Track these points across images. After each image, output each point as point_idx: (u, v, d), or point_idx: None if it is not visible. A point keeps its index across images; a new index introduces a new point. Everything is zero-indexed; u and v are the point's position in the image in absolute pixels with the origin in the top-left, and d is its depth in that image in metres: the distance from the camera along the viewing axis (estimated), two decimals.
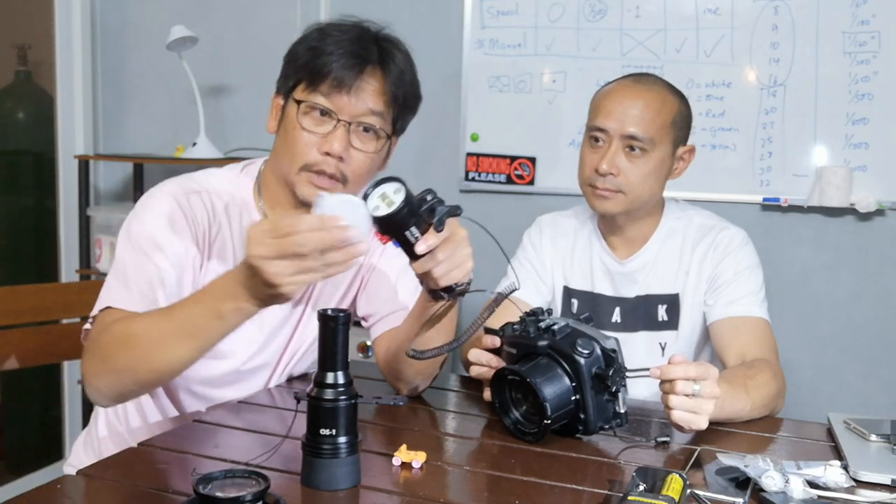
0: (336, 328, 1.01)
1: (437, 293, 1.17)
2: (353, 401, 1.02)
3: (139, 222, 1.30)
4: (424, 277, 1.14)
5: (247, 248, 0.99)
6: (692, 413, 1.18)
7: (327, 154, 1.28)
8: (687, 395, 1.17)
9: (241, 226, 1.36)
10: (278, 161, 1.34)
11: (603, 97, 1.63)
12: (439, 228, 1.08)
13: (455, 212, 1.10)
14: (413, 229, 1.07)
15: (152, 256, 1.26)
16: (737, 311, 1.57)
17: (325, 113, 1.29)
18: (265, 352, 1.42)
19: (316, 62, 1.28)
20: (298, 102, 1.30)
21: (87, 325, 1.25)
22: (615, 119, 1.58)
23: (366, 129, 1.31)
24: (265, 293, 1.02)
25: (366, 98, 1.29)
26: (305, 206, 1.30)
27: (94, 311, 1.24)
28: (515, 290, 1.24)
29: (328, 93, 1.28)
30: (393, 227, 1.06)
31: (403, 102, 1.34)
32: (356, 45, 1.29)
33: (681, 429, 1.20)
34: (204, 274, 1.33)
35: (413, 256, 1.10)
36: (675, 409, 1.18)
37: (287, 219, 0.98)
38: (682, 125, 1.63)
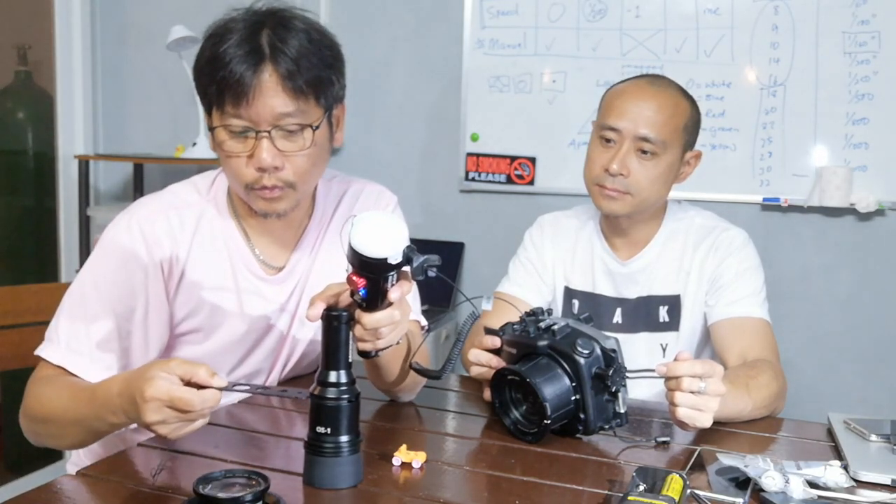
0: (338, 327, 1.01)
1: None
2: (355, 400, 1.02)
3: (92, 271, 1.30)
4: (363, 334, 1.06)
5: (141, 410, 1.00)
6: (697, 410, 1.18)
7: (262, 169, 1.22)
8: (692, 393, 1.17)
9: (213, 235, 1.34)
10: (228, 180, 1.33)
11: (617, 96, 1.62)
12: (419, 277, 1.02)
13: (433, 262, 1.01)
14: (394, 274, 1.02)
15: (91, 316, 1.27)
16: (738, 312, 1.57)
17: (240, 129, 1.21)
18: (251, 359, 1.41)
19: (215, 78, 1.20)
20: (213, 129, 1.24)
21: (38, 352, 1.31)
22: (629, 119, 1.57)
23: (289, 130, 1.22)
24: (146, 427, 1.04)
25: (270, 101, 1.19)
26: (266, 215, 1.31)
27: (39, 350, 1.31)
28: (477, 317, 1.23)
29: (235, 109, 1.19)
30: (384, 269, 1.00)
31: (315, 84, 1.21)
32: (248, 43, 1.19)
33: (684, 426, 1.20)
34: (178, 294, 1.32)
35: (372, 306, 1.04)
36: (681, 406, 1.18)
37: (184, 394, 0.98)
38: (692, 130, 1.63)
